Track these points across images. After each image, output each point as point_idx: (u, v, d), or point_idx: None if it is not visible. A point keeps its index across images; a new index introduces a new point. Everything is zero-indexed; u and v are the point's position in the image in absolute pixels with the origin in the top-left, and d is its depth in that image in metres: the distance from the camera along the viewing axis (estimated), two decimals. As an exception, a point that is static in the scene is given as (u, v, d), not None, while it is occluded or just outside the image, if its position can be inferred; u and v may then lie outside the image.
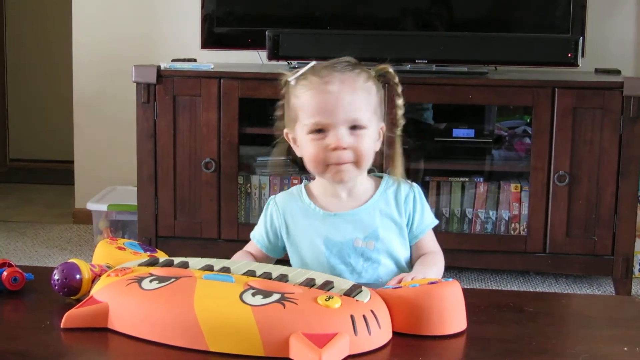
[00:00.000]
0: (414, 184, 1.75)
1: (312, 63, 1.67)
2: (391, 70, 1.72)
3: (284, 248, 1.76)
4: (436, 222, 1.76)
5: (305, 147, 1.66)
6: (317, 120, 1.62)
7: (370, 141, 1.65)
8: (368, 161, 1.65)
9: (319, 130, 1.62)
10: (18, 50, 6.03)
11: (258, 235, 1.78)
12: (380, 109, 1.69)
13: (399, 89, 1.72)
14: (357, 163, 1.63)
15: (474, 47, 3.36)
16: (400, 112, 1.73)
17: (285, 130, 1.73)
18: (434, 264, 1.70)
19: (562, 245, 3.25)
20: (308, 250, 1.71)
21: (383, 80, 1.71)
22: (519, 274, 3.50)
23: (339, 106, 1.60)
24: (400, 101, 1.72)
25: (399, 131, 1.74)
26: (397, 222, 1.71)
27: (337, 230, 1.69)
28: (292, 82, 1.67)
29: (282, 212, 1.75)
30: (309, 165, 1.67)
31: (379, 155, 1.73)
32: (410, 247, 1.75)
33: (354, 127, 1.62)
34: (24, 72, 6.05)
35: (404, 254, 1.73)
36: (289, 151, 1.76)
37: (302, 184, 1.77)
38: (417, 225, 1.73)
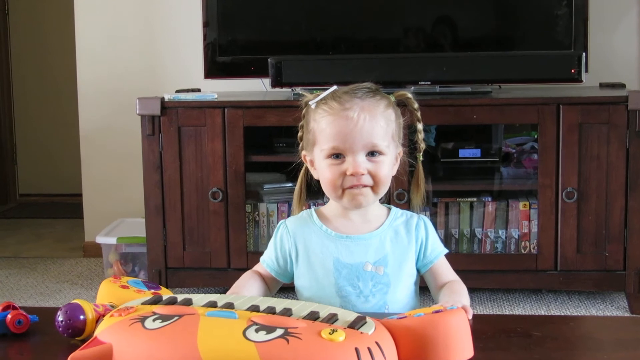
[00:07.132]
0: (422, 215, 1.75)
1: (333, 87, 1.68)
2: (410, 96, 1.74)
3: (293, 273, 1.76)
4: (447, 250, 1.76)
5: (322, 171, 1.67)
6: (336, 145, 1.63)
7: (388, 167, 1.66)
8: (385, 187, 1.66)
9: (337, 156, 1.64)
10: (24, 87, 6.07)
11: (268, 259, 1.77)
12: (399, 134, 1.71)
13: (419, 114, 1.74)
14: (374, 188, 1.65)
15: (476, 67, 3.36)
16: (421, 136, 1.75)
17: (303, 152, 1.75)
18: (463, 293, 1.65)
19: (573, 262, 3.23)
20: (317, 271, 1.71)
21: (402, 106, 1.73)
22: (531, 292, 3.48)
23: (358, 132, 1.61)
24: (420, 126, 1.75)
25: (421, 156, 1.76)
26: (408, 250, 1.71)
27: (349, 252, 1.69)
28: (313, 106, 1.69)
29: (292, 235, 1.74)
30: (325, 189, 1.68)
31: (404, 179, 1.74)
32: (424, 274, 1.74)
33: (372, 154, 1.63)
34: (31, 108, 6.09)
35: (411, 282, 1.73)
36: (307, 174, 1.77)
37: (312, 208, 1.77)
38: (430, 250, 1.72)
